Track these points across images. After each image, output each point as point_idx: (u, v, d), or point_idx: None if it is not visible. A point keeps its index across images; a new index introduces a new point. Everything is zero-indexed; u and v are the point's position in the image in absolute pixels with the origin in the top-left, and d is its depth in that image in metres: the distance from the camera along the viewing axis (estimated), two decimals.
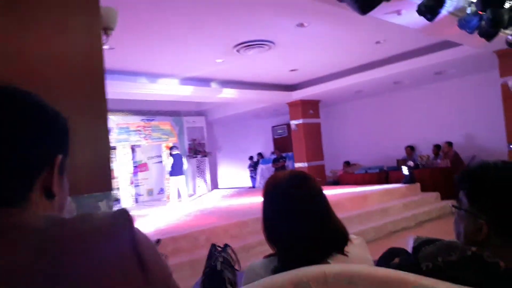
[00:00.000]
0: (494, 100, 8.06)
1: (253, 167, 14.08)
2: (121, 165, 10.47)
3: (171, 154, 9.16)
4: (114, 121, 10.17)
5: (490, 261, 0.91)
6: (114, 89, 7.17)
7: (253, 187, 13.63)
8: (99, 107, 2.07)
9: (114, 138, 10.17)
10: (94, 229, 0.59)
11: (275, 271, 1.07)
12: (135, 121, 10.75)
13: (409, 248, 1.11)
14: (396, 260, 1.08)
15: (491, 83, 8.25)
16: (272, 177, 1.26)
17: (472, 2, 4.61)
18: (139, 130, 10.71)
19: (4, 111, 0.61)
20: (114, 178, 10.38)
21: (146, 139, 10.87)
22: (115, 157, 10.47)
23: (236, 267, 1.67)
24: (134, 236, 0.61)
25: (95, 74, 2.06)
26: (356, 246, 1.19)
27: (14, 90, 0.64)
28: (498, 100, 7.63)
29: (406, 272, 0.81)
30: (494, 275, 0.90)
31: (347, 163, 11.33)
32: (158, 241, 1.54)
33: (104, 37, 2.64)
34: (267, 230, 1.19)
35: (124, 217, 0.63)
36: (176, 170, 8.91)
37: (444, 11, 4.27)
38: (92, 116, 2.04)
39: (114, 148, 10.28)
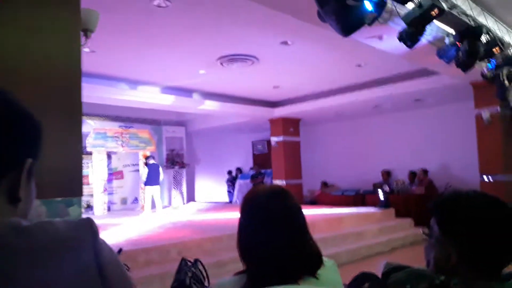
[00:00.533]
0: (469, 130, 8.30)
1: (231, 181, 14.01)
2: (95, 172, 10.21)
3: (146, 164, 9.02)
4: (91, 125, 9.97)
5: None
6: (93, 93, 7.06)
7: (230, 202, 13.53)
8: (72, 110, 2.02)
9: (90, 143, 9.95)
10: (54, 240, 0.56)
11: None
12: (112, 127, 10.56)
13: (380, 273, 1.10)
14: (366, 285, 1.07)
15: (466, 113, 8.50)
16: (252, 190, 1.24)
17: (450, 33, 4.79)
18: (116, 137, 10.52)
19: None
20: (88, 184, 10.14)
21: (123, 146, 10.67)
22: (91, 163, 10.22)
23: (205, 283, 1.63)
24: (97, 248, 0.59)
25: (71, 76, 2.01)
26: (327, 269, 1.16)
27: None
28: (473, 131, 7.86)
29: None
30: None
31: (324, 184, 11.42)
32: (120, 251, 1.49)
33: (83, 39, 2.59)
34: (241, 244, 1.16)
35: (88, 228, 0.60)
36: (151, 180, 8.77)
37: (424, 40, 4.40)
38: (65, 118, 1.99)
39: (89, 153, 10.04)
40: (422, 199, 8.57)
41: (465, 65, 4.71)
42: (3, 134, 0.59)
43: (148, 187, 8.81)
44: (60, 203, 1.94)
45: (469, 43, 4.43)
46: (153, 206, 8.94)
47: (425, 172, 9.42)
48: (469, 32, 4.46)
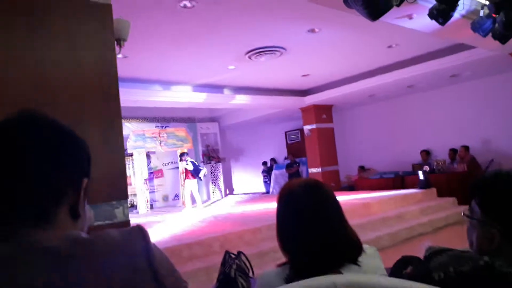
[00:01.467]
0: (510, 102, 7.91)
1: (267, 172, 14.08)
2: (137, 172, 10.59)
3: (181, 161, 9.29)
4: (130, 128, 10.31)
5: (503, 270, 0.91)
6: (129, 96, 7.29)
7: (267, 192, 13.63)
8: (113, 118, 2.10)
9: (130, 145, 10.29)
10: (110, 247, 0.63)
11: (287, 280, 1.09)
12: (150, 127, 10.88)
13: (422, 256, 1.11)
14: (409, 269, 1.09)
15: (507, 85, 8.10)
16: (286, 184, 1.27)
17: (485, 5, 4.57)
18: (154, 137, 10.83)
19: (39, 137, 0.65)
20: (130, 184, 10.50)
21: (162, 145, 10.97)
22: (132, 164, 10.59)
23: (250, 274, 1.68)
24: (150, 252, 0.64)
25: (109, 85, 2.09)
26: (368, 256, 1.19)
27: (50, 120, 0.69)
28: None
29: (418, 283, 0.81)
30: (506, 285, 0.90)
31: (362, 168, 11.24)
32: None
33: (117, 48, 2.69)
34: (281, 237, 1.20)
35: (139, 234, 0.66)
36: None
37: (456, 14, 4.23)
38: (107, 126, 2.07)
39: (131, 155, 10.40)
40: (464, 176, 8.28)
41: (503, 36, 4.49)
42: (68, 158, 0.68)
43: (187, 181, 9.05)
44: (107, 207, 2.04)
45: (506, 14, 4.21)
46: (193, 201, 9.18)
47: (466, 148, 9.06)
48: (505, 2, 4.24)
